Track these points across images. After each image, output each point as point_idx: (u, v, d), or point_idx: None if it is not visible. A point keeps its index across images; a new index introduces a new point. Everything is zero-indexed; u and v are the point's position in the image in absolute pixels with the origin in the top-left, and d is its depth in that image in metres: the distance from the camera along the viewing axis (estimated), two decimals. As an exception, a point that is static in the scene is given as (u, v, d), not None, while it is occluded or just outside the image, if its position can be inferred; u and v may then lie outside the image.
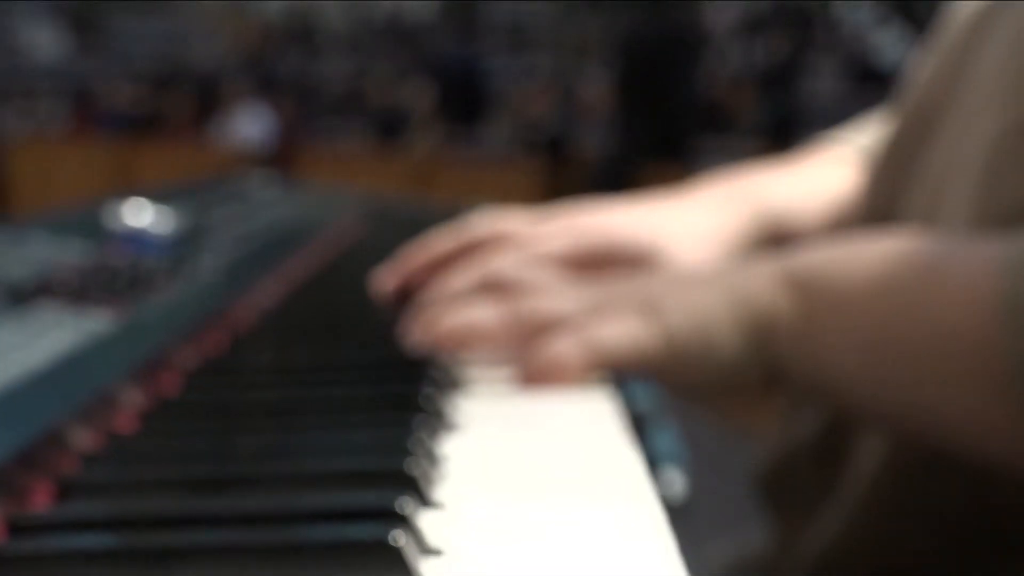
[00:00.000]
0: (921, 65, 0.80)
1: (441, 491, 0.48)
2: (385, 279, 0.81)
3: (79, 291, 0.73)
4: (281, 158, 7.36)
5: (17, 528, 0.44)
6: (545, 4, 9.90)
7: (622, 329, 0.66)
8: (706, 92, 7.46)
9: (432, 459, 0.51)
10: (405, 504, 0.43)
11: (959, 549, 0.73)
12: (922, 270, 0.64)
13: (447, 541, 0.43)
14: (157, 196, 1.05)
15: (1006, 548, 0.71)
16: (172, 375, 0.64)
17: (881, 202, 0.79)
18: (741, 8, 8.98)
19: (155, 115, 8.80)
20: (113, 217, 0.96)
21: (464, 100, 8.07)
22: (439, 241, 0.80)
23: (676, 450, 0.74)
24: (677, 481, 0.72)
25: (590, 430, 0.58)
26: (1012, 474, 0.64)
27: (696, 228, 0.80)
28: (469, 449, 0.54)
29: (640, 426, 0.70)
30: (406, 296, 0.78)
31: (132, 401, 0.59)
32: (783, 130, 6.92)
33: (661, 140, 6.53)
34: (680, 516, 0.58)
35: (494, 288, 0.71)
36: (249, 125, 7.94)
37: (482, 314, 0.69)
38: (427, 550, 0.42)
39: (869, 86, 7.35)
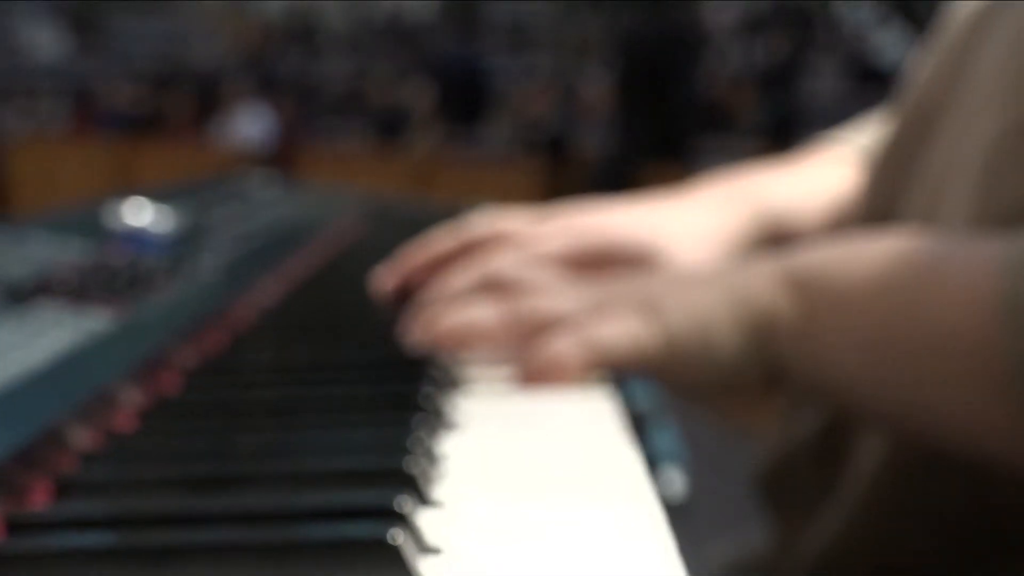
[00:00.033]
0: (921, 65, 0.80)
1: (440, 490, 0.48)
2: (385, 278, 0.81)
3: (79, 290, 0.73)
4: (281, 158, 7.36)
5: (16, 527, 0.44)
6: (545, 4, 9.90)
7: (622, 328, 0.66)
8: (706, 92, 7.46)
9: (431, 458, 0.51)
10: (404, 503, 0.43)
11: (959, 549, 0.72)
12: (922, 269, 0.64)
13: (446, 540, 0.43)
14: (157, 195, 1.05)
15: (1006, 548, 0.71)
16: (172, 374, 0.64)
17: (881, 202, 0.79)
18: (741, 8, 8.98)
19: (155, 115, 8.80)
20: (113, 216, 0.96)
21: (464, 100, 8.07)
22: (439, 241, 0.80)
23: (676, 450, 0.74)
24: (677, 481, 0.72)
25: (589, 429, 0.58)
26: (1012, 474, 0.64)
27: (696, 228, 0.80)
28: (468, 448, 0.54)
29: (640, 426, 0.70)
30: (406, 295, 0.78)
31: (131, 400, 0.59)
32: (783, 130, 6.92)
33: (661, 140, 6.54)
34: (680, 516, 0.58)
35: (494, 288, 0.71)
36: (249, 125, 7.94)
37: (482, 313, 0.68)
38: (426, 549, 0.42)
39: (869, 86, 7.35)
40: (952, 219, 0.70)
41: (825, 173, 0.88)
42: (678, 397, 0.77)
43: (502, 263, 0.74)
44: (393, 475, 0.47)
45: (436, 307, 0.70)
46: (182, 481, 0.48)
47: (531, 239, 0.77)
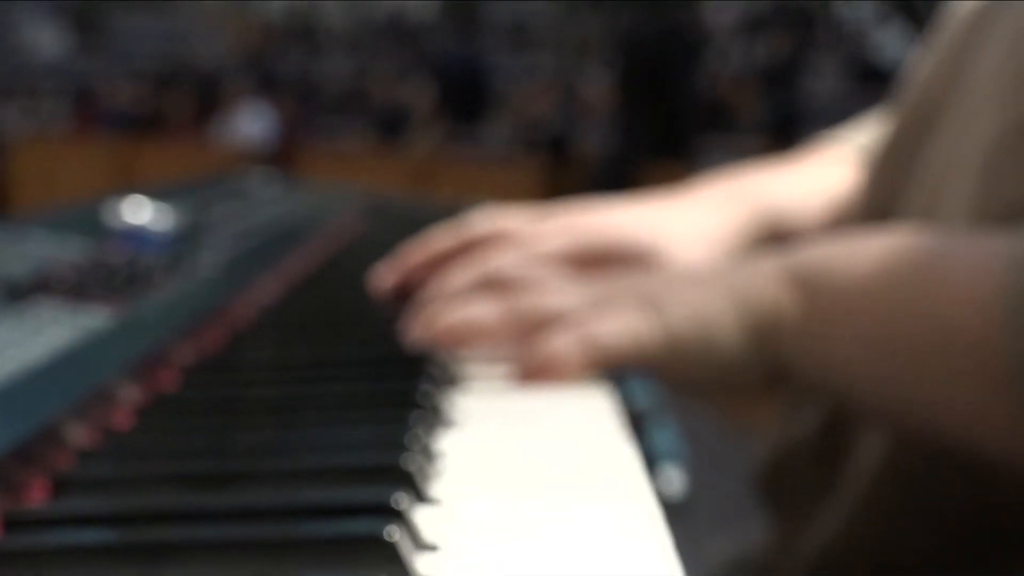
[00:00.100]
0: (920, 64, 0.80)
1: (437, 487, 0.48)
2: (385, 276, 0.81)
3: (77, 288, 0.73)
4: (282, 156, 7.36)
5: (14, 524, 0.44)
6: (546, 3, 9.91)
7: (622, 325, 0.66)
8: (707, 91, 7.46)
9: (429, 455, 0.51)
10: (401, 500, 0.43)
11: (959, 547, 0.72)
12: (924, 266, 0.64)
13: (443, 537, 0.43)
14: (156, 193, 1.05)
15: (1006, 546, 0.71)
16: (170, 372, 0.64)
17: (880, 201, 0.79)
18: (742, 7, 8.98)
19: (156, 114, 8.80)
20: (112, 214, 0.96)
21: (465, 99, 8.06)
22: (439, 239, 0.80)
23: (676, 448, 0.74)
24: (676, 479, 0.72)
25: (588, 427, 0.58)
26: (1012, 472, 0.64)
27: (696, 227, 0.80)
28: (466, 445, 0.54)
29: (639, 423, 0.70)
30: (405, 293, 0.78)
31: (130, 397, 0.59)
32: (784, 129, 6.91)
33: (662, 139, 6.53)
34: (679, 514, 0.58)
35: (494, 286, 0.71)
36: (250, 124, 7.94)
37: (481, 311, 0.68)
38: (423, 546, 0.42)
39: (870, 85, 7.35)
40: (951, 218, 0.70)
41: (825, 172, 0.88)
42: (678, 395, 0.77)
43: (502, 262, 0.74)
44: (391, 472, 0.47)
45: (436, 305, 0.70)
46: (180, 478, 0.48)
47: (531, 238, 0.77)
